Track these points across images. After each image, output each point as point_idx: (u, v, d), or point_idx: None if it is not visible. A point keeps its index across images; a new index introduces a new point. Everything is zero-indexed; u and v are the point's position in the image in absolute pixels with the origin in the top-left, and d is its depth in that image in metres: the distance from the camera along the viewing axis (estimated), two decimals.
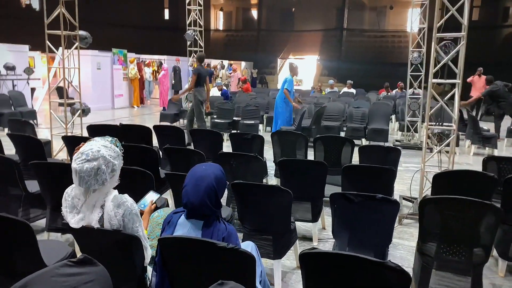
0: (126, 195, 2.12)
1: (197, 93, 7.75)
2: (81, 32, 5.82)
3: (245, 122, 9.16)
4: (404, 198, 5.06)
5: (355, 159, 4.90)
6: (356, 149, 4.81)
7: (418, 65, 8.37)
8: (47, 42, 5.57)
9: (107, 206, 2.05)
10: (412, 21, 9.10)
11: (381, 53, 24.81)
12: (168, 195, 4.13)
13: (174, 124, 10.58)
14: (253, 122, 9.17)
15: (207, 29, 29.55)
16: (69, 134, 5.91)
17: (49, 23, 5.57)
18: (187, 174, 2.02)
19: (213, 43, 30.00)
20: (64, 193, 2.16)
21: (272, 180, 5.42)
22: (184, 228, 1.97)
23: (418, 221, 2.82)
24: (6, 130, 7.92)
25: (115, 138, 2.21)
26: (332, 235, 3.04)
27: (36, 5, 25.74)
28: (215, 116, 9.83)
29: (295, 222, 3.47)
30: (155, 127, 5.53)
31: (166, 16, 29.25)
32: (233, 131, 9.04)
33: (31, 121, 7.98)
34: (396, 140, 9.11)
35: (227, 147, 5.90)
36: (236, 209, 3.10)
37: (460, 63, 4.38)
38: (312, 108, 9.19)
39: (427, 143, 4.58)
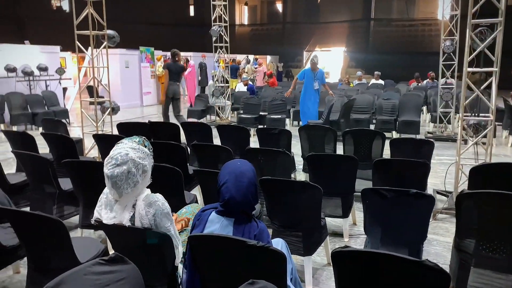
0: (158, 195, 2.13)
1: (167, 89, 8.24)
2: (109, 32, 5.91)
3: (271, 116, 9.11)
4: (438, 192, 4.89)
5: (386, 152, 4.77)
6: (387, 142, 4.68)
7: (451, 53, 8.06)
8: (77, 42, 5.69)
9: (139, 205, 2.06)
10: (444, 8, 8.76)
11: (411, 43, 24.13)
12: (197, 191, 4.15)
13: (201, 120, 10.66)
14: (279, 116, 9.09)
15: (232, 24, 29.61)
16: (100, 132, 6.03)
17: (78, 23, 5.68)
18: (222, 170, 1.99)
19: (238, 38, 30.01)
20: (102, 193, 2.21)
21: (300, 175, 5.36)
22: (215, 225, 1.95)
23: (455, 217, 2.70)
24: (40, 129, 8.19)
25: (143, 138, 2.22)
26: (364, 231, 2.97)
27: (66, 7, 26.50)
28: (241, 112, 9.82)
29: (325, 218, 3.41)
30: (183, 124, 5.56)
31: (192, 13, 29.46)
32: (259, 126, 9.03)
33: (63, 120, 8.24)
34: (428, 132, 8.84)
35: (254, 142, 5.86)
36: (265, 205, 3.07)
37: (498, 51, 4.17)
38: (340, 101, 9.03)
39: (462, 135, 4.39)
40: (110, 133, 5.89)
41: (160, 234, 2.02)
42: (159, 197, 2.10)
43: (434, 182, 5.29)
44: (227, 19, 9.96)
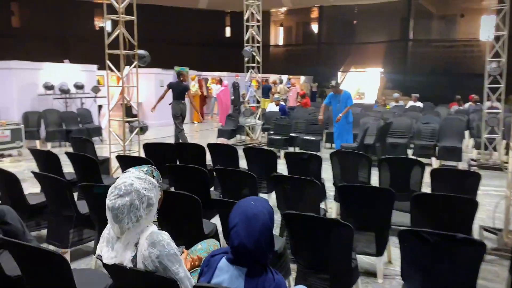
0: (163, 233, 1.90)
1: (172, 108, 8.64)
2: (140, 51, 5.89)
3: (305, 137, 8.83)
4: (485, 229, 4.41)
5: (426, 180, 4.37)
6: (426, 171, 4.29)
7: (497, 76, 7.53)
8: (107, 61, 5.70)
9: (141, 244, 1.84)
10: (489, 28, 8.26)
11: (451, 64, 23.25)
12: (218, 220, 3.91)
13: (231, 140, 10.51)
14: (314, 138, 8.80)
15: (266, 44, 29.79)
16: (127, 151, 5.97)
17: (111, 43, 5.70)
18: (233, 210, 1.72)
19: (272, 58, 30.06)
20: (105, 227, 2.01)
21: (331, 203, 5.01)
22: (225, 275, 1.68)
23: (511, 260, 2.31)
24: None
25: (152, 167, 2.01)
26: (401, 276, 2.61)
27: (109, 27, 27.61)
28: (271, 132, 9.59)
29: (357, 256, 3.08)
30: (209, 145, 5.39)
31: (228, 34, 29.90)
32: (290, 148, 8.75)
33: (95, 138, 8.29)
34: (472, 160, 8.24)
35: (283, 165, 5.58)
36: (289, 241, 2.78)
37: None
38: (376, 124, 8.61)
39: None
40: (134, 155, 5.81)
41: (164, 278, 1.78)
42: (164, 237, 1.87)
43: (480, 216, 4.78)
44: (260, 39, 9.86)
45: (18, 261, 2.23)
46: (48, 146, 9.48)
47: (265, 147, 9.75)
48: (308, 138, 8.78)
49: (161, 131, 13.17)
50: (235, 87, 16.36)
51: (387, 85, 24.45)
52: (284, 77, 20.92)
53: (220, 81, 17.76)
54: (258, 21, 9.72)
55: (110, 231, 1.94)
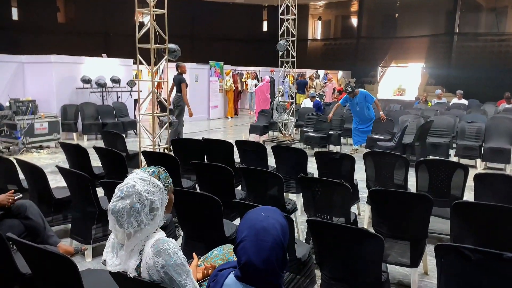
0: (170, 241, 1.75)
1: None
2: (171, 45, 5.82)
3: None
4: None
5: (469, 184, 4.01)
6: (470, 174, 3.93)
7: None
8: (138, 55, 5.66)
9: (146, 252, 1.70)
10: None
11: (500, 59, 21.91)
12: None
13: (264, 136, 10.34)
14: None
15: (304, 39, 29.30)
16: (157, 147, 5.93)
17: (145, 37, 5.64)
18: (242, 223, 1.52)
19: (310, 53, 29.57)
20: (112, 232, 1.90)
21: (364, 207, 4.74)
22: None
23: None
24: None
25: (160, 168, 1.86)
26: None
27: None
28: (306, 130, 9.33)
29: (389, 267, 2.82)
30: (237, 142, 5.24)
31: (265, 28, 29.66)
32: (323, 147, 8.50)
33: (130, 131, 8.33)
34: None
35: (314, 163, 5.34)
36: (314, 250, 2.57)
37: None
38: (416, 122, 8.15)
39: None
40: (164, 149, 5.76)
41: None
42: (170, 245, 1.72)
43: None
44: (295, 33, 9.58)
45: (27, 261, 2.16)
46: (85, 139, 9.71)
47: (297, 145, 9.53)
48: None
49: (193, 125, 13.22)
50: (270, 82, 16.14)
51: (429, 81, 23.41)
52: (321, 72, 20.48)
53: (255, 76, 17.63)
54: (294, 14, 9.44)
55: (115, 237, 1.82)
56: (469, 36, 23.38)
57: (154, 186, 1.77)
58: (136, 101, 11.81)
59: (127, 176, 1.78)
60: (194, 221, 3.00)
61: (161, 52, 5.78)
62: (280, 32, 9.62)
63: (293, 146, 9.55)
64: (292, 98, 10.58)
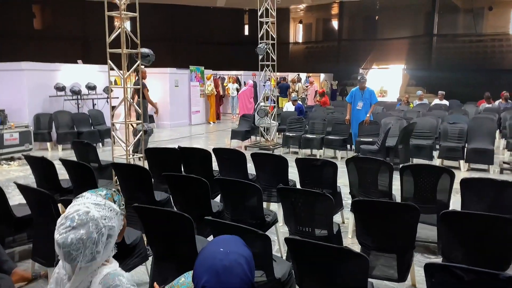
0: (122, 275, 1.50)
1: None
2: (143, 50, 5.56)
3: (330, 137, 8.62)
4: None
5: (455, 186, 3.86)
6: (456, 177, 3.78)
7: None
8: (109, 61, 5.38)
9: None
10: None
11: (479, 59, 22.21)
12: None
13: (246, 141, 10.12)
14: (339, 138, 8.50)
15: (285, 42, 29.24)
16: (132, 156, 5.65)
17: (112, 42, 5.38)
18: (198, 262, 1.25)
19: (292, 56, 29.55)
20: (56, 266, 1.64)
21: (348, 214, 4.55)
22: None
23: None
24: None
25: (113, 190, 1.63)
26: None
27: (128, 27, 27.61)
28: (288, 134, 9.16)
29: (376, 280, 2.64)
30: (215, 150, 5.00)
31: (246, 32, 29.50)
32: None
33: (107, 140, 8.00)
34: (504, 162, 7.59)
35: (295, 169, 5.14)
36: (294, 269, 2.36)
37: None
38: (399, 124, 8.05)
39: None
40: (135, 161, 5.50)
41: None
42: (122, 280, 1.48)
43: None
44: (274, 36, 9.41)
45: None
46: (59, 149, 9.33)
47: (280, 149, 9.35)
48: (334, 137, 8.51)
49: (175, 131, 12.92)
50: (254, 86, 15.94)
51: (410, 82, 23.59)
52: (303, 75, 20.39)
53: (236, 80, 17.41)
54: (273, 17, 9.28)
55: (60, 270, 1.57)
56: (447, 37, 23.66)
57: (111, 210, 1.53)
58: (114, 108, 11.47)
59: (72, 202, 1.54)
60: (164, 239, 2.75)
61: (134, 57, 5.52)
62: (259, 35, 9.45)
63: (275, 150, 9.38)
64: (274, 101, 10.40)
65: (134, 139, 5.64)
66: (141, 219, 2.76)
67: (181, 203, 3.63)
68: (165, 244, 2.73)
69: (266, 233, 4.00)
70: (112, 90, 10.63)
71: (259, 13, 9.33)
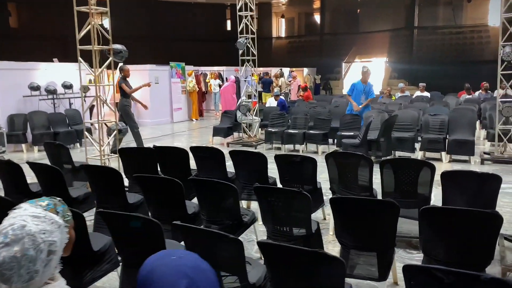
0: None
1: None
2: (116, 46, 5.36)
3: (311, 132, 8.49)
4: (506, 239, 3.83)
5: (436, 178, 3.79)
6: (438, 169, 3.71)
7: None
8: (79, 58, 5.18)
9: None
10: (501, 11, 7.56)
11: (459, 51, 22.44)
12: None
13: (228, 138, 9.97)
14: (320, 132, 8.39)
15: (268, 37, 29.07)
16: (107, 157, 5.46)
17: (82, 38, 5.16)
18: (156, 279, 1.12)
19: (275, 51, 29.42)
20: None
21: (329, 210, 4.45)
22: None
23: None
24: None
25: (56, 200, 1.46)
26: None
27: (107, 25, 27.10)
28: (271, 130, 9.04)
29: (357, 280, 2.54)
30: (192, 148, 4.84)
31: (229, 27, 29.22)
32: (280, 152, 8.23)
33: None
34: (485, 153, 7.62)
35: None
36: (268, 274, 2.24)
37: None
38: (380, 117, 7.98)
39: None
40: (109, 162, 5.31)
41: None
42: None
43: None
44: (254, 30, 9.26)
45: None
46: (35, 150, 9.04)
47: (263, 146, 9.23)
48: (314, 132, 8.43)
49: (156, 129, 12.69)
50: (236, 82, 15.75)
51: (392, 75, 23.72)
52: (286, 70, 20.28)
53: (219, 76, 17.20)
54: (251, 10, 9.11)
55: None
56: (428, 30, 23.84)
57: (52, 223, 1.36)
58: (93, 107, 11.18)
59: (8, 214, 1.37)
60: (132, 246, 2.60)
61: (106, 54, 5.31)
62: (239, 30, 9.28)
63: (258, 147, 9.26)
64: (254, 97, 10.26)
65: (108, 139, 5.44)
66: (107, 225, 2.60)
67: (155, 205, 3.48)
68: (133, 251, 2.58)
69: (246, 233, 3.90)
70: (89, 89, 10.39)
71: (238, 7, 9.16)
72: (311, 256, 1.93)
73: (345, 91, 20.68)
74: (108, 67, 5.32)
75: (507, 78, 7.15)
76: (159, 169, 4.81)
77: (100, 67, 5.27)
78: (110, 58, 5.23)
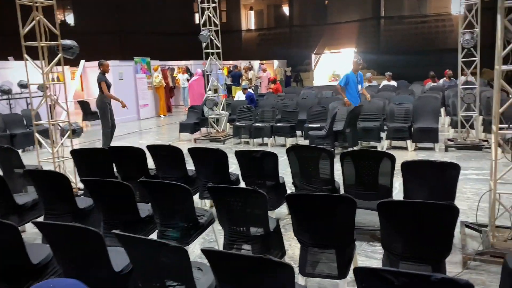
0: None
1: None
2: (65, 42, 5.06)
3: (279, 125, 8.40)
4: (467, 226, 3.83)
5: (398, 168, 3.75)
6: (402, 157, 3.66)
7: (471, 48, 6.96)
8: (25, 55, 4.85)
9: None
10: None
11: (424, 40, 22.84)
12: None
13: (195, 133, 9.74)
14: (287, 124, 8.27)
15: (238, 30, 28.78)
16: (57, 160, 5.16)
17: (26, 34, 4.84)
18: None
19: (245, 44, 29.18)
20: None
21: None
22: None
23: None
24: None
25: None
26: None
27: (71, 21, 26.12)
28: (239, 124, 8.88)
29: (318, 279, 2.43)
30: (149, 147, 4.63)
31: (197, 20, 28.73)
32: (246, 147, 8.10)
33: (48, 140, 7.46)
34: (449, 139, 7.71)
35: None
36: (216, 283, 2.09)
37: None
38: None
39: (498, 152, 3.34)
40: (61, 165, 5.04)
41: None
42: None
43: (461, 208, 4.21)
44: (217, 22, 9.03)
45: None
46: None
47: (231, 140, 9.06)
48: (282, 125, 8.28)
49: (122, 127, 12.30)
50: (204, 75, 15.46)
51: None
52: (256, 63, 20.09)
53: (186, 70, 16.84)
54: (213, 2, 8.87)
55: None
56: (394, 20, 24.14)
57: None
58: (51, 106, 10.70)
59: None
60: (72, 257, 2.40)
61: (55, 50, 5.01)
62: (201, 22, 9.03)
63: (226, 142, 9.09)
64: (224, 91, 10.06)
65: (62, 140, 5.15)
66: (43, 235, 2.39)
67: (105, 210, 3.27)
68: (73, 261, 2.38)
69: (207, 233, 3.74)
70: (47, 87, 9.91)
71: None
72: (256, 262, 1.79)
73: (315, 82, 20.74)
74: (58, 64, 5.01)
75: (467, 65, 7.23)
76: (115, 170, 4.59)
77: (49, 64, 4.96)
78: (60, 55, 4.93)
